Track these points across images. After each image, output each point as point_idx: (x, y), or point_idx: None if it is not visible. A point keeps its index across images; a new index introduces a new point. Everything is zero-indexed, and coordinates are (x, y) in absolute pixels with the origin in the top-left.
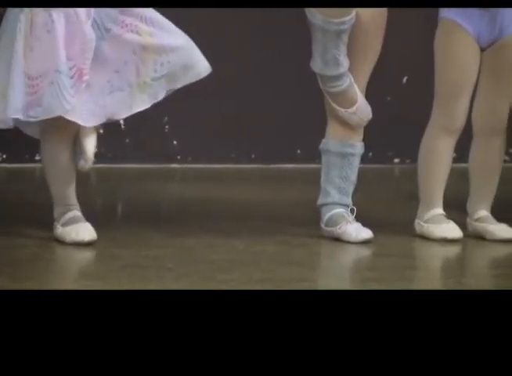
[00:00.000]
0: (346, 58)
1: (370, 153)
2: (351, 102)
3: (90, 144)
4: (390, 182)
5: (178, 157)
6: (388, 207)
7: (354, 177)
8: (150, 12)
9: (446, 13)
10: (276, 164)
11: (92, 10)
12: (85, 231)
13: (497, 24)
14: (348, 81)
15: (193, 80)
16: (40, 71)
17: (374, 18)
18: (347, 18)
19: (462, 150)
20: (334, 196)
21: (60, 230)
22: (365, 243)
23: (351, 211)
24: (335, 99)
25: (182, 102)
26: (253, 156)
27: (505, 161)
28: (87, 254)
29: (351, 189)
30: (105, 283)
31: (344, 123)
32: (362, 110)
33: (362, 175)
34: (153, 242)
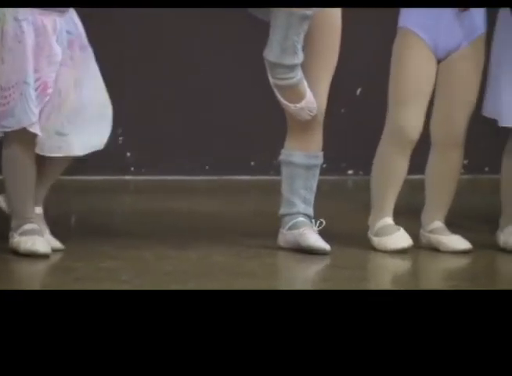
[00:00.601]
0: (301, 51)
1: (324, 165)
2: (301, 96)
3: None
4: (343, 193)
5: (132, 169)
6: (342, 218)
7: (315, 187)
8: (87, 54)
9: (404, 23)
10: (230, 176)
11: (58, 25)
12: (41, 243)
13: (454, 35)
14: (300, 75)
15: (88, 152)
16: (11, 82)
17: (330, 20)
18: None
19: (415, 162)
20: (299, 206)
21: (17, 239)
22: (319, 254)
23: (320, 224)
24: (285, 93)
25: (136, 113)
26: (207, 167)
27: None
28: (40, 267)
29: (312, 199)
30: None
31: (306, 134)
32: (310, 104)
33: (316, 186)
34: (106, 254)
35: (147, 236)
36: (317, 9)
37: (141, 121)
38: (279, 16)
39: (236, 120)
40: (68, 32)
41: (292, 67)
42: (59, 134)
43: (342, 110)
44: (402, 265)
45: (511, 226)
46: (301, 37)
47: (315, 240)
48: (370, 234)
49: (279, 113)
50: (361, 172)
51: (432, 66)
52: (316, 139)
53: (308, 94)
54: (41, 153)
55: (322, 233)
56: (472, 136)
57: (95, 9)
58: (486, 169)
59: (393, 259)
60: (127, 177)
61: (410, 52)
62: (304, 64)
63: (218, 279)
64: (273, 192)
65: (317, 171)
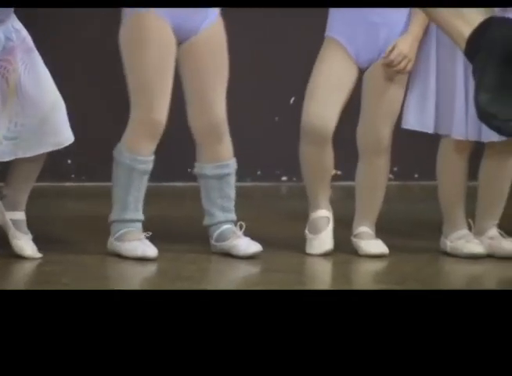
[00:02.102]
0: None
1: (259, 172)
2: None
3: None
4: (277, 199)
5: (73, 176)
6: (276, 223)
7: (233, 193)
8: (32, 59)
9: (329, 32)
10: (168, 183)
11: None
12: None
13: (376, 45)
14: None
15: (52, 148)
16: None
17: (214, 39)
18: (151, 157)
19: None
20: (219, 216)
21: None
22: (254, 258)
23: (240, 226)
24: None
25: (76, 123)
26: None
27: (389, 179)
28: None
29: (233, 204)
30: None
31: (214, 146)
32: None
33: (251, 193)
34: (47, 258)
35: (87, 241)
36: (202, 28)
37: (80, 129)
38: (120, 173)
39: (175, 126)
40: (8, 39)
41: (133, 221)
42: (7, 138)
43: (276, 119)
44: (333, 268)
45: (456, 233)
46: (143, 191)
47: (244, 249)
48: (307, 232)
49: None
50: (294, 178)
51: (350, 74)
52: (224, 149)
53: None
54: (8, 158)
55: (256, 239)
56: (401, 143)
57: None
58: (416, 176)
59: (324, 262)
60: (67, 183)
61: (329, 58)
62: (200, 82)
63: (155, 283)
64: None
65: (231, 179)
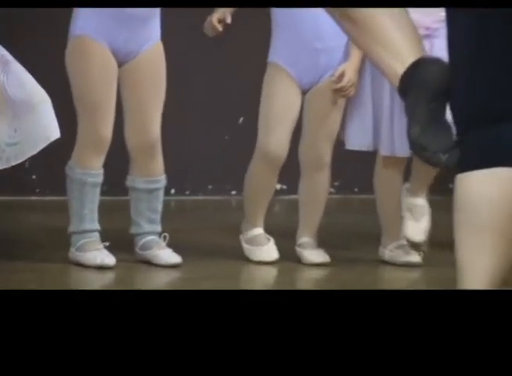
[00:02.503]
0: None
1: (210, 186)
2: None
3: None
4: (227, 211)
5: (37, 190)
6: (226, 234)
7: (161, 206)
8: (12, 68)
9: (272, 57)
10: (119, 197)
11: None
12: None
13: (317, 70)
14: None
15: (44, 145)
16: None
17: (151, 63)
18: (100, 170)
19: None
20: (145, 227)
21: None
22: (202, 266)
23: (164, 237)
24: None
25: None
26: (104, 188)
27: (330, 193)
28: None
29: (159, 217)
30: None
31: (147, 162)
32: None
33: (202, 206)
34: (16, 267)
35: (51, 249)
36: (137, 54)
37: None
38: (72, 187)
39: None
40: None
41: (91, 231)
42: (10, 145)
43: (226, 137)
44: (267, 276)
45: (395, 243)
46: (96, 202)
47: (167, 258)
48: (242, 239)
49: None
50: (243, 193)
51: (296, 96)
52: (156, 165)
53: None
54: (2, 167)
55: (202, 249)
56: (342, 160)
57: None
58: (356, 190)
59: (259, 270)
60: (33, 197)
61: (276, 83)
62: (137, 103)
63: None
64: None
65: (160, 193)
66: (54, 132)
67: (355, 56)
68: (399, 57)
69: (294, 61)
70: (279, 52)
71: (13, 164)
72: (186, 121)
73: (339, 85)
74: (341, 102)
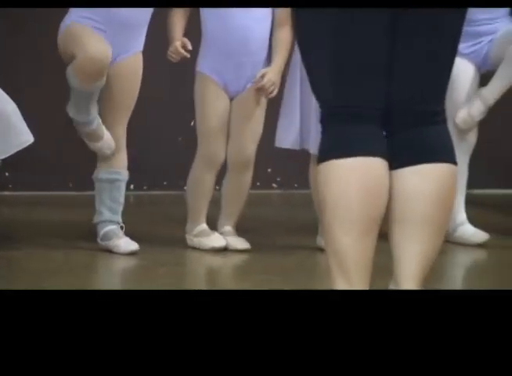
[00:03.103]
0: (95, 107)
1: (165, 182)
2: (98, 138)
3: None
4: (179, 206)
5: (10, 186)
6: (175, 226)
7: (122, 199)
8: None
9: (201, 68)
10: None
11: None
12: None
13: (243, 80)
14: (96, 123)
15: (17, 149)
16: None
17: (127, 73)
18: (98, 83)
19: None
20: (106, 214)
21: None
22: (134, 254)
23: (121, 227)
24: (85, 136)
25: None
26: (70, 184)
27: (273, 188)
28: None
29: (120, 209)
30: None
31: (110, 156)
32: (107, 143)
33: (158, 201)
34: None
35: (21, 240)
36: (104, 82)
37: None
38: (72, 89)
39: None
40: None
41: (88, 122)
42: None
43: (179, 139)
44: (215, 261)
45: None
46: (93, 102)
47: (124, 248)
48: (189, 236)
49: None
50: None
51: (224, 103)
52: (119, 160)
53: (106, 136)
54: None
55: (147, 239)
56: (283, 157)
57: None
58: (296, 185)
59: (207, 256)
60: (5, 193)
61: (205, 93)
62: (106, 109)
63: (81, 275)
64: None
65: (121, 185)
66: (27, 139)
67: (278, 59)
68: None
69: (221, 72)
70: (206, 63)
71: None
72: (145, 122)
73: (260, 85)
74: (263, 107)
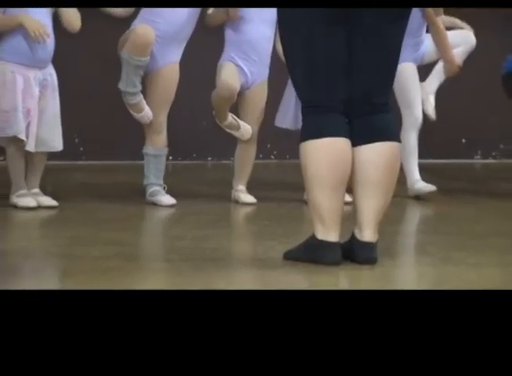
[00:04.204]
0: (139, 81)
1: (194, 154)
2: (140, 109)
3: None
4: (204, 172)
5: (83, 157)
6: (195, 186)
7: (163, 167)
8: (55, 94)
9: (227, 58)
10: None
11: (37, 76)
12: (30, 201)
13: (253, 75)
14: (139, 98)
15: (54, 150)
16: (8, 108)
17: (169, 74)
18: (143, 59)
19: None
20: (152, 179)
21: (15, 200)
22: (172, 206)
23: (163, 188)
24: (131, 108)
25: None
26: (128, 156)
27: (271, 158)
28: None
29: (162, 174)
30: None
31: (153, 135)
32: (147, 115)
33: (189, 168)
34: None
35: (91, 197)
36: (148, 60)
37: None
38: (123, 63)
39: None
40: (44, 79)
41: (134, 93)
42: (48, 139)
43: (204, 123)
44: (236, 211)
45: None
46: (138, 76)
47: (167, 201)
48: (234, 192)
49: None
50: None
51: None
52: (161, 140)
53: (146, 109)
54: (32, 150)
55: (185, 195)
56: (278, 135)
57: None
58: (287, 156)
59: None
60: (80, 162)
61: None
62: (151, 103)
63: (132, 222)
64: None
65: (163, 158)
66: (59, 145)
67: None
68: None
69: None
70: (232, 55)
71: (39, 150)
72: (179, 111)
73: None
74: (264, 99)
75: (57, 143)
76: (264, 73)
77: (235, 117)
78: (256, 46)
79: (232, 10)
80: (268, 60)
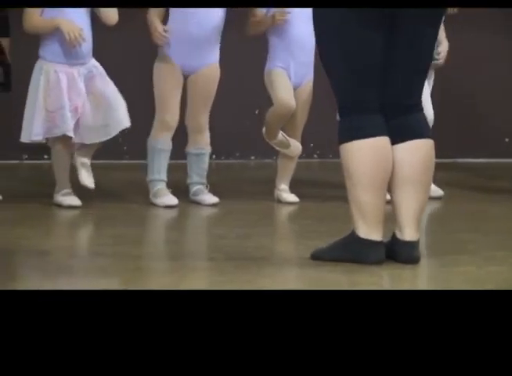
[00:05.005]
0: None
1: (237, 153)
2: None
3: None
4: (242, 171)
5: (127, 156)
6: (238, 184)
7: (206, 166)
8: (104, 80)
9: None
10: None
11: (80, 71)
12: (73, 200)
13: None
14: None
15: (119, 130)
16: (55, 108)
17: (210, 77)
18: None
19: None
20: (195, 178)
21: (60, 198)
22: (215, 205)
23: (206, 186)
24: None
25: None
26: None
27: (314, 158)
28: None
29: (204, 173)
30: None
31: (196, 137)
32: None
33: (231, 166)
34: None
35: (135, 195)
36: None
37: None
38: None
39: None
40: (89, 72)
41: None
42: (103, 126)
43: (246, 122)
44: (278, 209)
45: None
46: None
47: (209, 200)
48: (277, 191)
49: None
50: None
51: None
52: (203, 139)
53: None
54: (88, 142)
55: (226, 193)
56: (322, 135)
57: None
58: (330, 156)
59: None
60: (123, 161)
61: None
62: (192, 104)
63: (175, 219)
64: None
65: (206, 157)
66: (126, 122)
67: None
68: None
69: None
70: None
71: (103, 139)
72: (222, 111)
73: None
74: (310, 98)
75: (125, 121)
76: (310, 72)
77: (284, 134)
78: (304, 46)
79: (278, 15)
80: (313, 58)
